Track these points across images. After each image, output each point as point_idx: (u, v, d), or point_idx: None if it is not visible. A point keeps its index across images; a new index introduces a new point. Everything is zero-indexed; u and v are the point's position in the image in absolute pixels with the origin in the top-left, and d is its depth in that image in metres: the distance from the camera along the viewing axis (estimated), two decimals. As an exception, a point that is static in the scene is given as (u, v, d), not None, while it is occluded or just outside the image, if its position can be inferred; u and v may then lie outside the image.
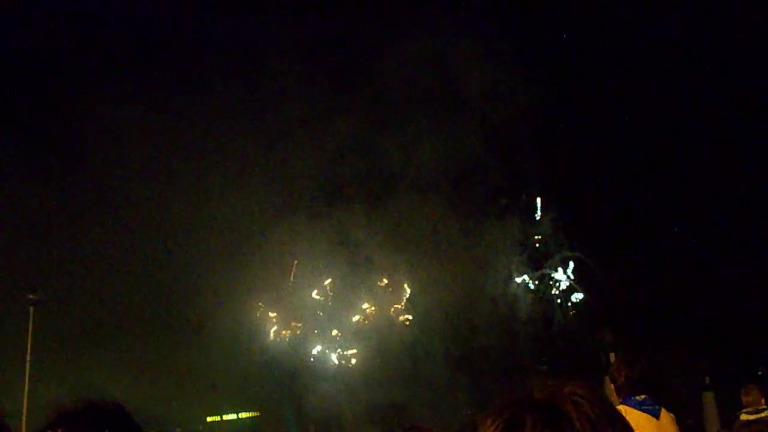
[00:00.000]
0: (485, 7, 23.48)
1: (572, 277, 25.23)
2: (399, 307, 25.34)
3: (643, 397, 4.47)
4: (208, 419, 24.39)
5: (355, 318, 25.26)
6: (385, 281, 25.25)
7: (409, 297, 25.14)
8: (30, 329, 16.02)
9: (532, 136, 23.26)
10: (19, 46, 23.05)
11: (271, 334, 24.76)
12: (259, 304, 24.18)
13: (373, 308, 25.20)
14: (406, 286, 25.27)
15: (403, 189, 24.41)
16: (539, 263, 25.35)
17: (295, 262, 24.56)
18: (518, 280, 25.16)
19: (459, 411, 21.57)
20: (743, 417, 7.03)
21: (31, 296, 16.40)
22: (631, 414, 4.42)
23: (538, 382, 1.22)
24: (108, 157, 21.75)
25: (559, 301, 25.33)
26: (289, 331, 25.09)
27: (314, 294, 25.09)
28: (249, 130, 23.02)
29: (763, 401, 7.19)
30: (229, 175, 23.11)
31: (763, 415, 6.89)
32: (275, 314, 24.82)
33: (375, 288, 25.19)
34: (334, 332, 25.16)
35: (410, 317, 25.14)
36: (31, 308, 16.33)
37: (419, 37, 23.08)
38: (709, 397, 19.06)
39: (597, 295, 24.40)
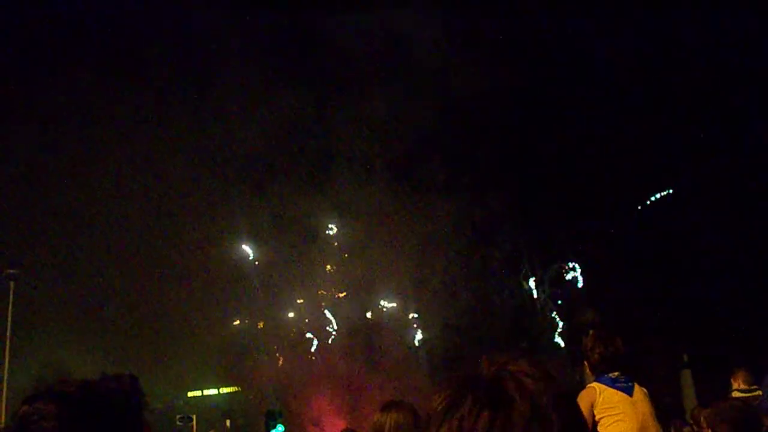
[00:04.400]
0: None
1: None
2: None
3: (616, 374, 4.49)
4: (189, 394, 24.48)
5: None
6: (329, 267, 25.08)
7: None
8: (10, 304, 15.94)
9: (490, 114, 22.27)
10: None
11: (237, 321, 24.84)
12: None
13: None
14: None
15: (350, 165, 23.73)
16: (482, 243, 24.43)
17: None
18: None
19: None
20: (735, 395, 7.06)
21: (10, 271, 16.32)
22: (605, 392, 4.44)
23: (490, 358, 1.21)
24: (76, 134, 21.37)
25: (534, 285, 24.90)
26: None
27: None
28: (186, 101, 22.22)
29: (752, 381, 7.22)
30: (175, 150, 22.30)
31: (754, 394, 6.93)
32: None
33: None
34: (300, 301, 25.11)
35: None
36: (12, 283, 16.26)
37: (369, 6, 22.55)
38: (686, 376, 19.27)
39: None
